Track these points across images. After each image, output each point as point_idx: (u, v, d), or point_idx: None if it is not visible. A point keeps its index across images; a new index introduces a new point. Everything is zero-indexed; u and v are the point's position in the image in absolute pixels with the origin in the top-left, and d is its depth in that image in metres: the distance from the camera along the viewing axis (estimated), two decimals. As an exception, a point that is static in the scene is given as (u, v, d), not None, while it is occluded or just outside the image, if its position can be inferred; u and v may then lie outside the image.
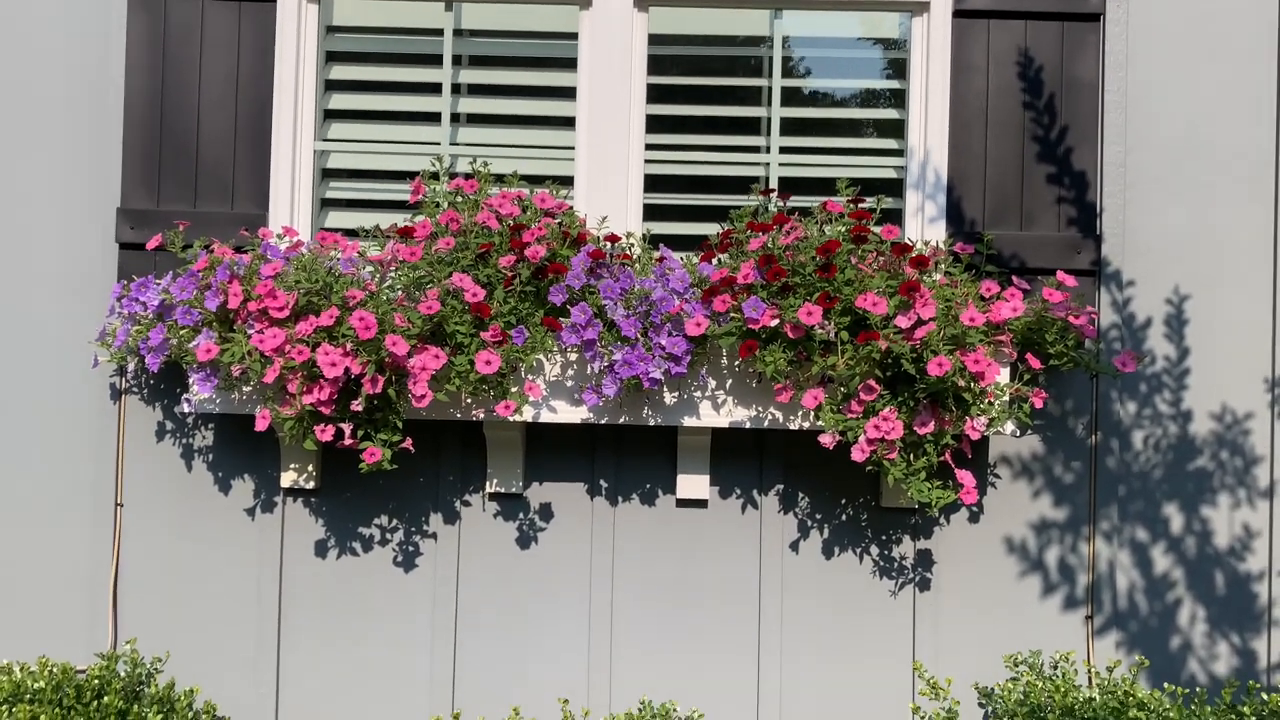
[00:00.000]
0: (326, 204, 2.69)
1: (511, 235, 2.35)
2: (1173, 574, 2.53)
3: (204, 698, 2.47)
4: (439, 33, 2.69)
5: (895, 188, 2.65)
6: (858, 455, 2.23)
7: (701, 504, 2.54)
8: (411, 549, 2.54)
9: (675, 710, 2.28)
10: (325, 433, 2.23)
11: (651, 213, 2.66)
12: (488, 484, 2.52)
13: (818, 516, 2.54)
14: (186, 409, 2.37)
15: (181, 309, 2.27)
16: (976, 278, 2.44)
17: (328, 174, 2.69)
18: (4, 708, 1.99)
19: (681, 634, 2.52)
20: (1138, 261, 2.55)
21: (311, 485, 2.50)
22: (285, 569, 2.53)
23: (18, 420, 2.55)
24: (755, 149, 2.71)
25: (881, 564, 2.53)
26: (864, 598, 2.53)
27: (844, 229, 2.35)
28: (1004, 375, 2.32)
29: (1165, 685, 2.37)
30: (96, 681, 2.17)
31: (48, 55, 2.57)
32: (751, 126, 2.73)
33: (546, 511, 2.55)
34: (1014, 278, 2.42)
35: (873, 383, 2.22)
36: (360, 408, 2.22)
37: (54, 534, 2.54)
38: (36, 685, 2.06)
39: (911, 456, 2.27)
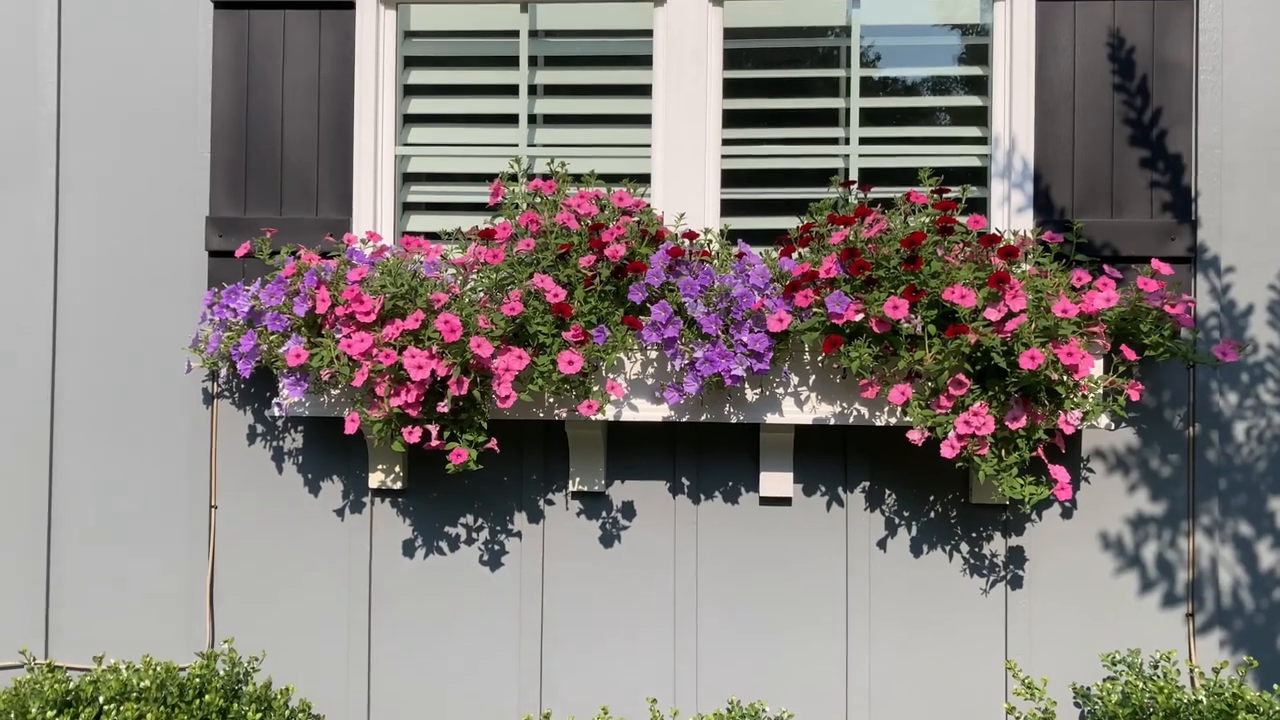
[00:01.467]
0: (408, 208, 2.72)
1: (590, 235, 2.35)
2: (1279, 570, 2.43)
3: (298, 696, 2.53)
4: (515, 34, 2.70)
5: (979, 176, 2.59)
6: (947, 451, 2.19)
7: (785, 501, 2.51)
8: (497, 548, 2.56)
9: (764, 710, 2.26)
10: (413, 434, 2.26)
11: (729, 208, 2.64)
12: (570, 483, 2.52)
13: (905, 514, 2.49)
14: (277, 413, 2.42)
15: (271, 315, 2.31)
16: (1067, 267, 2.38)
17: (409, 178, 2.72)
18: (112, 706, 2.05)
19: (767, 633, 2.50)
20: (1236, 247, 2.46)
21: (399, 486, 2.53)
22: (374, 568, 2.57)
23: (116, 426, 2.62)
24: (833, 140, 2.67)
25: (972, 561, 2.48)
26: (955, 596, 2.48)
27: (928, 220, 2.31)
28: (1098, 367, 2.26)
29: (1275, 687, 2.28)
30: (197, 680, 2.22)
31: (138, 71, 2.64)
32: (829, 118, 2.69)
33: (629, 510, 2.55)
34: (1105, 267, 2.35)
35: (962, 377, 2.17)
36: (446, 409, 2.24)
37: (152, 536, 2.61)
38: (142, 684, 2.12)
39: (1003, 452, 2.22)
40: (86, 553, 2.62)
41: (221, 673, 2.30)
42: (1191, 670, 2.38)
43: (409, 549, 2.58)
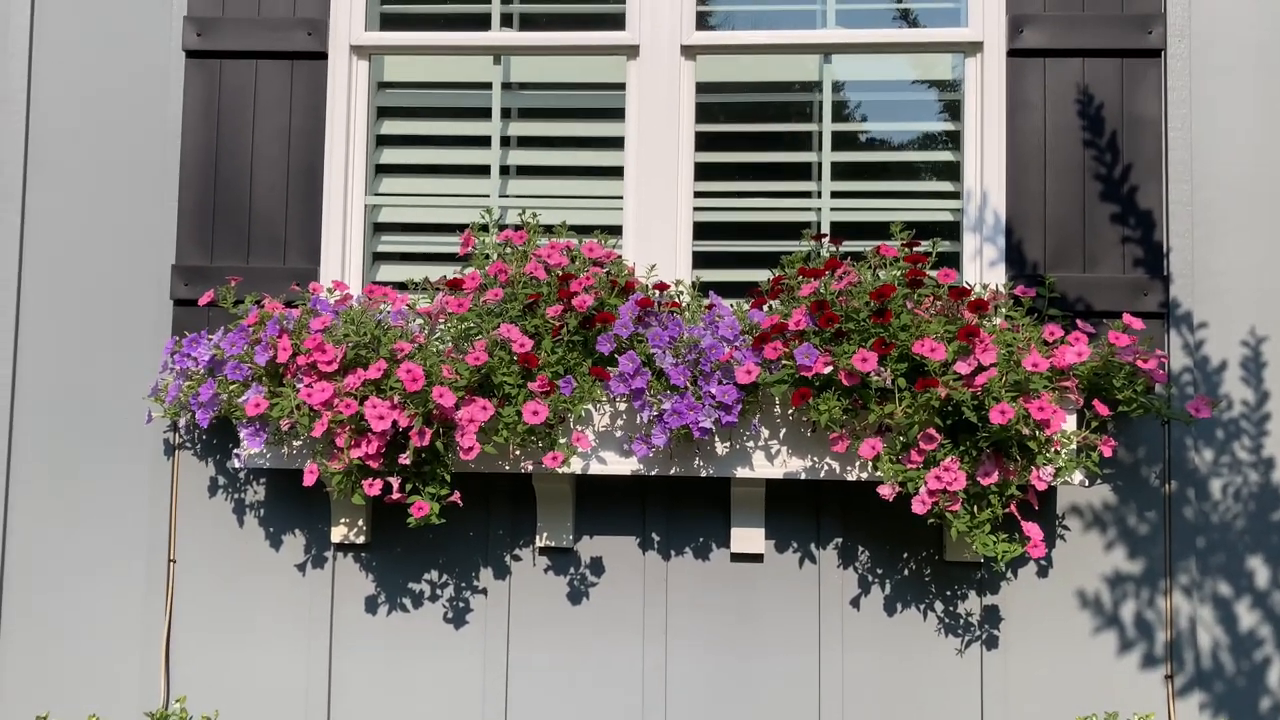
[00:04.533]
0: (379, 258, 2.69)
1: (559, 285, 2.33)
2: (1260, 631, 2.38)
3: (253, 757, 2.45)
4: (488, 86, 2.70)
5: (952, 231, 2.58)
6: (919, 507, 2.15)
7: (757, 558, 2.46)
8: (462, 605, 2.50)
9: (732, 774, 2.20)
10: (373, 487, 2.21)
11: (701, 260, 2.62)
12: (538, 538, 2.47)
13: (879, 571, 2.45)
14: (237, 464, 2.37)
15: (231, 364, 2.27)
16: (1039, 322, 2.36)
17: (380, 228, 2.70)
18: (50, 768, 1.97)
19: (737, 692, 2.44)
20: (1210, 303, 2.45)
21: (362, 540, 2.47)
22: (335, 624, 2.50)
23: (73, 476, 2.57)
24: (806, 194, 2.66)
25: (947, 620, 2.43)
26: (929, 656, 2.42)
27: (899, 273, 2.29)
28: (1070, 422, 2.23)
29: (1255, 751, 2.23)
30: (145, 741, 2.15)
31: (108, 118, 2.63)
32: (802, 172, 2.69)
33: (598, 565, 2.49)
34: (1078, 321, 2.33)
35: (933, 431, 2.14)
36: (408, 461, 2.19)
37: (108, 590, 2.54)
38: (85, 744, 2.05)
39: (975, 508, 2.18)
40: (38, 606, 2.55)
41: (171, 734, 2.22)
42: (1172, 734, 2.33)
43: (371, 605, 2.51)
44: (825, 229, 2.60)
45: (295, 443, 2.35)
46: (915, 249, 2.32)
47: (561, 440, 2.28)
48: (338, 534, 2.47)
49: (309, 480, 2.24)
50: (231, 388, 2.30)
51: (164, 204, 2.60)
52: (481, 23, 2.72)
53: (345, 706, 2.49)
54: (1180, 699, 2.38)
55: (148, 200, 2.61)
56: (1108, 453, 2.21)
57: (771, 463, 2.31)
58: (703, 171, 2.64)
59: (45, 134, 2.64)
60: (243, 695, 2.49)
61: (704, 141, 2.66)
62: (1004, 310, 2.33)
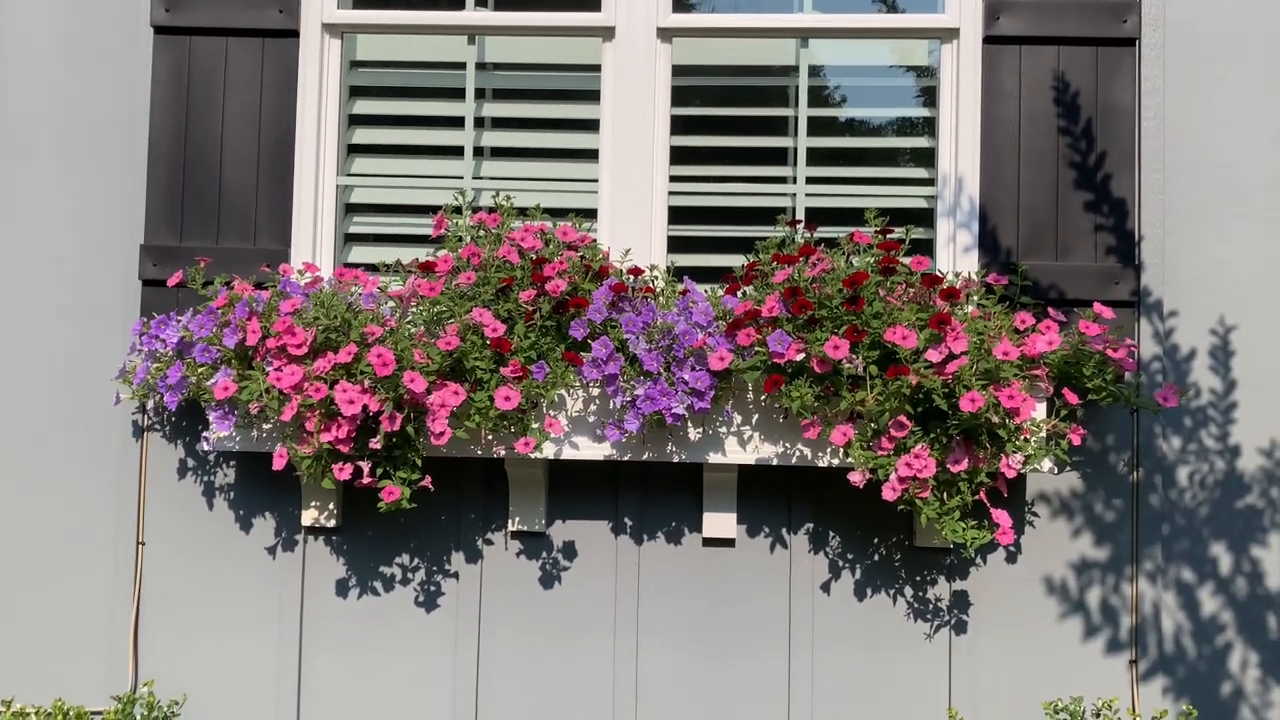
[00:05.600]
0: (350, 239, 2.67)
1: (533, 269, 2.31)
2: (1222, 617, 2.42)
3: (222, 740, 2.44)
4: (462, 66, 2.67)
5: (927, 218, 2.59)
6: (889, 494, 2.16)
7: (729, 543, 2.47)
8: (433, 588, 2.49)
9: (701, 758, 2.21)
10: (343, 471, 2.20)
11: (676, 245, 2.61)
12: (510, 522, 2.47)
13: (849, 556, 2.46)
14: (206, 447, 2.35)
15: (200, 346, 2.25)
16: (1011, 309, 2.37)
17: (351, 209, 2.68)
18: (15, 753, 1.96)
19: (708, 676, 2.45)
20: (1180, 291, 2.46)
21: (333, 524, 2.46)
22: (306, 609, 2.50)
23: (41, 457, 2.54)
24: (782, 179, 2.66)
25: (916, 606, 2.45)
26: (898, 641, 2.44)
27: (872, 260, 2.29)
28: (1040, 411, 2.24)
29: (1216, 735, 2.26)
30: (112, 725, 2.14)
31: (74, 93, 2.59)
32: (778, 157, 2.69)
33: (570, 550, 2.49)
34: (1050, 309, 2.34)
35: (903, 419, 2.15)
36: (379, 445, 2.18)
37: (76, 573, 2.52)
38: (50, 729, 2.04)
39: (945, 495, 2.20)
40: (2, 588, 2.52)
41: (139, 717, 2.21)
42: (1134, 718, 2.35)
43: (342, 589, 2.50)
44: (800, 215, 2.60)
45: (265, 426, 2.33)
46: (888, 236, 2.32)
47: (534, 425, 2.28)
48: (308, 517, 2.46)
49: (278, 464, 2.22)
50: (200, 370, 2.28)
51: (133, 183, 2.56)
52: (456, 2, 2.69)
53: (315, 689, 2.48)
54: (1144, 684, 2.41)
55: (116, 179, 2.57)
56: (1077, 441, 2.23)
57: (744, 448, 2.31)
58: (678, 155, 2.63)
59: (10, 110, 2.59)
60: (212, 678, 2.48)
61: (680, 125, 2.65)
62: (976, 298, 2.33)
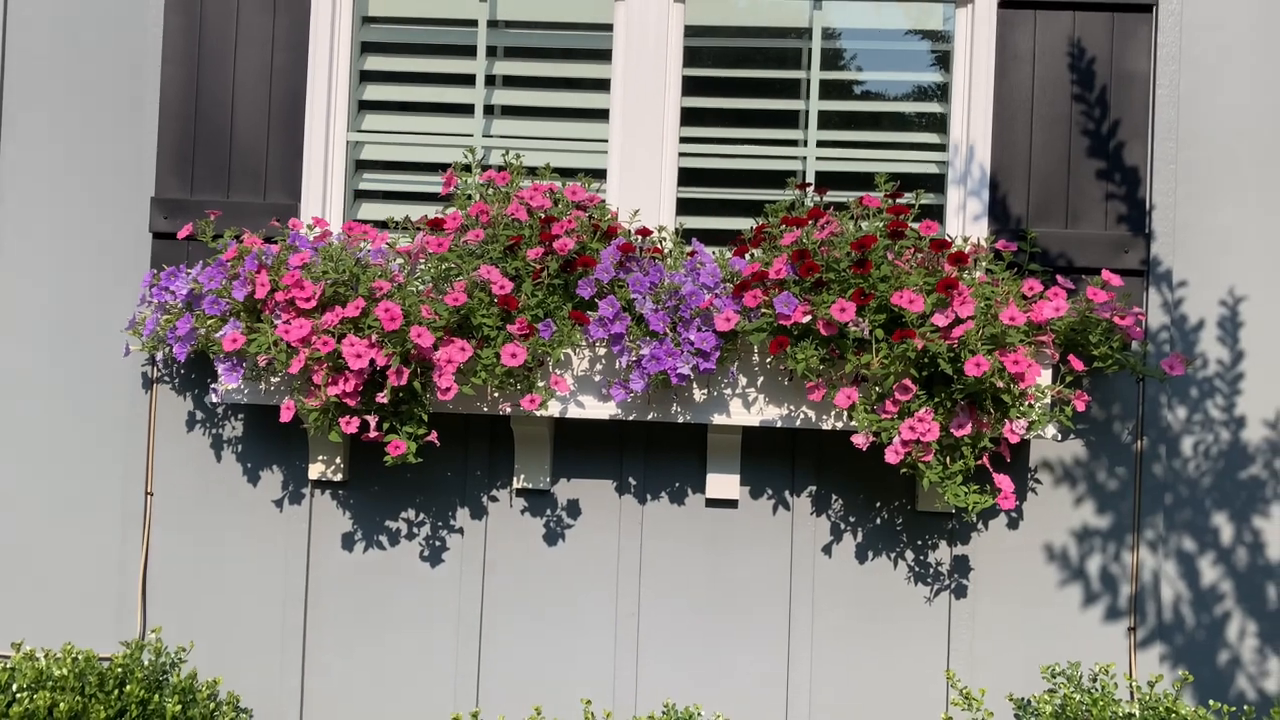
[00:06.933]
0: (360, 195, 2.67)
1: (541, 228, 2.32)
2: (1221, 586, 2.43)
3: (228, 688, 2.47)
4: (473, 24, 2.66)
5: (938, 184, 2.58)
6: (892, 457, 2.17)
7: (732, 504, 2.49)
8: (438, 544, 2.52)
9: (699, 714, 2.23)
10: (350, 425, 2.22)
11: (685, 207, 2.61)
12: (515, 479, 2.49)
13: (851, 519, 2.47)
14: (214, 399, 2.37)
15: (209, 298, 2.26)
16: (1019, 276, 2.37)
17: (361, 165, 2.68)
18: (25, 694, 1.99)
19: (709, 636, 2.47)
20: (1190, 261, 2.46)
21: (340, 478, 2.48)
22: (312, 561, 2.52)
23: (52, 407, 2.56)
24: (792, 143, 2.65)
25: (917, 569, 2.46)
26: (898, 603, 2.46)
27: (880, 224, 2.29)
28: (1045, 377, 2.24)
29: (1211, 703, 2.27)
30: (120, 670, 2.17)
31: (85, 47, 2.59)
32: (789, 120, 2.67)
33: (574, 508, 2.51)
34: (1059, 277, 2.33)
35: (908, 382, 2.15)
36: (386, 400, 2.20)
37: (85, 522, 2.55)
38: (59, 672, 2.07)
39: (948, 459, 2.20)
40: (14, 538, 2.56)
41: (146, 663, 2.24)
42: (1130, 684, 2.37)
43: (348, 542, 2.53)
44: (810, 178, 2.59)
45: (273, 379, 2.35)
46: (897, 200, 2.32)
47: (540, 383, 2.29)
48: (315, 471, 2.48)
49: (286, 416, 2.24)
50: (209, 322, 2.29)
51: (144, 136, 2.57)
52: (468, -42, 2.68)
53: (321, 640, 2.51)
54: (1141, 650, 2.43)
55: (127, 132, 2.58)
56: (1081, 408, 2.23)
57: (748, 410, 2.32)
58: (689, 117, 2.62)
59: (22, 64, 2.59)
60: (219, 627, 2.52)
61: (691, 86, 2.64)
62: (984, 264, 2.33)
